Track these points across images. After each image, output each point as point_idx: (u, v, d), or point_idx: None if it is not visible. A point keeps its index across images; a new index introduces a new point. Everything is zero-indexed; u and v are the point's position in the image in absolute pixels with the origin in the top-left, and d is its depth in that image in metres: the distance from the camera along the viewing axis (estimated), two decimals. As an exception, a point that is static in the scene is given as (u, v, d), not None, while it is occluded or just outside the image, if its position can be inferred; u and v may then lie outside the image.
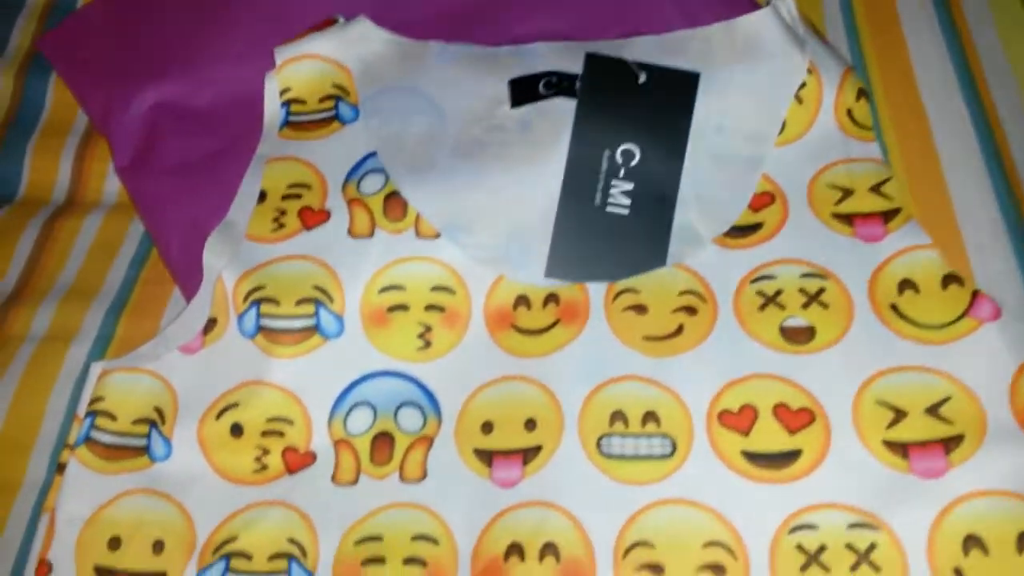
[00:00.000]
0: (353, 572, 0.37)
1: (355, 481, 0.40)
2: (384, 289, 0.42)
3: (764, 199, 0.44)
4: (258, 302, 0.41)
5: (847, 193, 0.43)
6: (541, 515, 0.37)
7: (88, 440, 0.40)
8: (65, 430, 0.42)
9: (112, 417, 0.41)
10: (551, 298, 0.42)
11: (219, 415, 0.41)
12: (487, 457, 0.39)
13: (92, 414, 0.40)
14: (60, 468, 0.40)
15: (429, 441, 0.40)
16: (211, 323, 0.42)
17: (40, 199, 0.52)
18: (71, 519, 0.39)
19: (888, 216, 0.42)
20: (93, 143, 0.53)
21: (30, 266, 0.48)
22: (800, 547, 0.35)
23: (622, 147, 0.45)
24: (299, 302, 0.41)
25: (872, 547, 0.35)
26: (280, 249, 0.43)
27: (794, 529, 0.36)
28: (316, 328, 0.41)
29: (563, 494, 0.38)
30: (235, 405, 0.41)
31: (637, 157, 0.44)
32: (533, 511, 0.38)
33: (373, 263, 0.42)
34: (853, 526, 0.35)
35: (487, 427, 0.40)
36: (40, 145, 0.53)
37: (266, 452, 0.41)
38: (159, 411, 0.41)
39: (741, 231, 0.43)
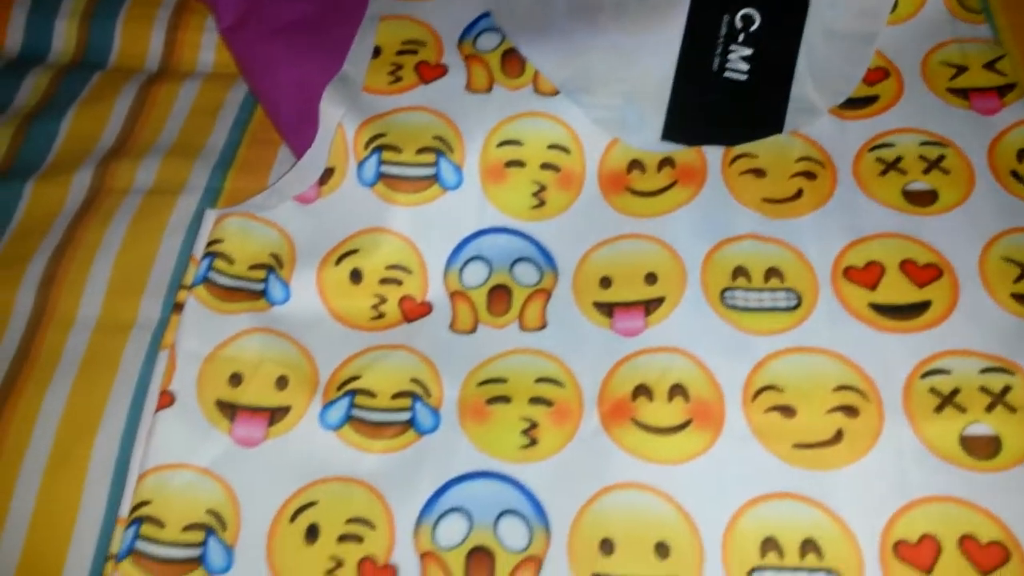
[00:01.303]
0: (479, 410, 0.37)
1: (473, 330, 0.40)
2: (502, 143, 0.42)
3: (878, 74, 0.44)
4: (379, 149, 0.41)
5: (961, 69, 0.43)
6: (667, 360, 0.37)
7: (206, 281, 0.40)
8: (179, 273, 0.42)
9: (229, 260, 0.40)
10: (666, 162, 0.42)
11: (338, 261, 0.41)
12: (607, 309, 0.39)
13: (210, 256, 0.40)
14: (177, 307, 0.40)
15: (547, 294, 0.40)
16: (328, 173, 0.42)
17: (132, 67, 0.51)
18: (191, 355, 0.38)
19: (1003, 91, 0.42)
20: (186, 14, 0.52)
21: (128, 125, 0.48)
22: (933, 390, 0.35)
23: (742, 11, 0.44)
24: (420, 151, 0.41)
25: (1007, 389, 0.35)
26: (398, 101, 0.43)
27: (926, 374, 0.36)
28: (436, 178, 0.41)
29: (688, 341, 0.38)
30: (355, 251, 0.41)
31: (757, 22, 0.44)
32: (659, 356, 0.38)
33: (492, 117, 0.42)
34: (986, 370, 0.35)
35: (605, 282, 0.40)
36: (132, 14, 0.52)
37: (383, 300, 0.40)
38: (276, 257, 0.41)
39: (857, 103, 0.43)
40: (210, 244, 0.41)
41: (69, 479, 0.37)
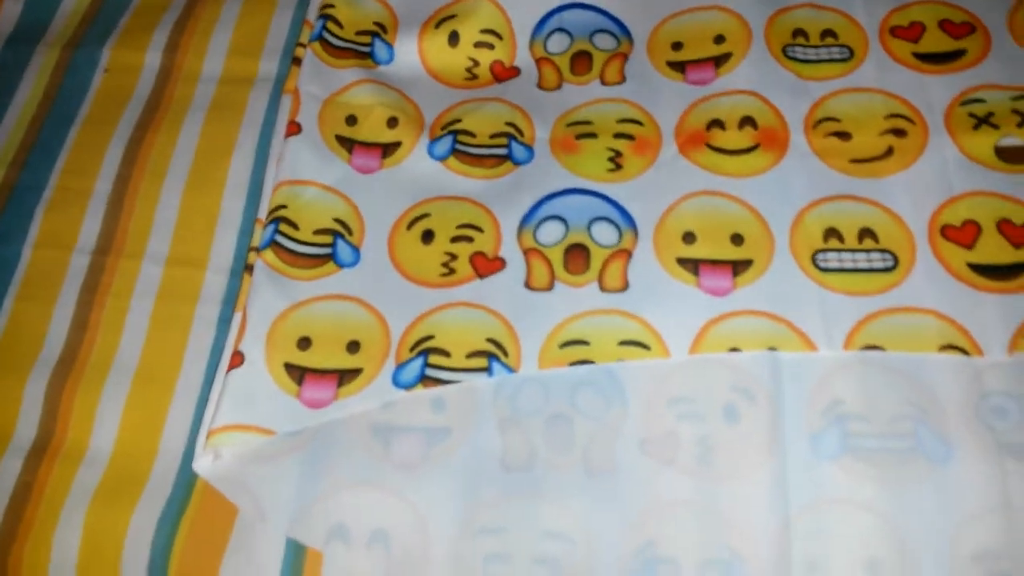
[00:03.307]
0: (568, 144, 0.42)
1: (559, 87, 0.44)
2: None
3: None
4: None
5: None
6: (737, 99, 0.42)
7: (320, 39, 0.45)
8: (292, 38, 0.46)
9: (339, 24, 0.45)
10: None
11: (438, 24, 0.45)
12: (680, 67, 0.44)
13: (323, 18, 0.45)
14: (295, 61, 0.44)
15: (624, 57, 0.45)
16: (424, -49, 0.47)
17: None
18: (312, 96, 0.43)
19: None
20: None
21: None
22: (971, 114, 0.41)
23: None
24: None
25: None
26: None
27: (965, 102, 0.41)
28: (524, -49, 0.46)
29: (755, 84, 0.43)
30: (453, 16, 0.45)
31: None
32: (729, 97, 0.43)
33: None
34: (1017, 98, 0.41)
35: (677, 46, 0.45)
36: None
37: (476, 64, 0.45)
38: (380, 24, 0.46)
39: None
40: (322, 8, 0.45)
41: (209, 192, 0.41)
